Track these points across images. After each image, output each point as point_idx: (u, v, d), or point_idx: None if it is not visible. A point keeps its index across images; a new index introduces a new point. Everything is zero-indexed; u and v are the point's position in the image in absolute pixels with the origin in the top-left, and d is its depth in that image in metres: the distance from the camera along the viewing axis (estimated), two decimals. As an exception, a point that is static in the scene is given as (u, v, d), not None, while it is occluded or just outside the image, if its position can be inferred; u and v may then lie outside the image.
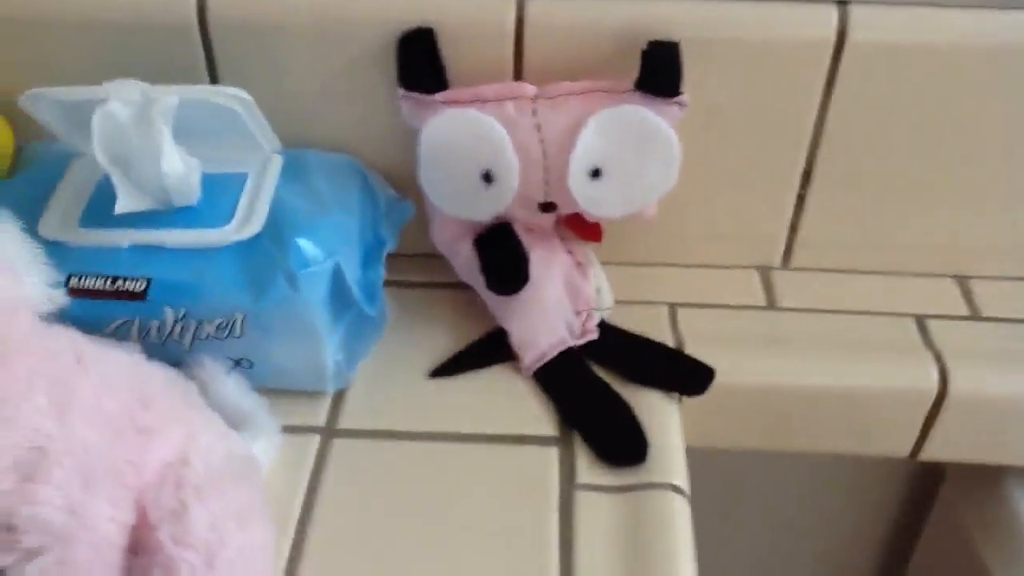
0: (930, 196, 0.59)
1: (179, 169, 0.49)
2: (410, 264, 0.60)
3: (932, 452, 0.58)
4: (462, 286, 0.59)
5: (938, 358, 0.56)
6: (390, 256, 0.56)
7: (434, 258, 0.60)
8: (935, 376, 0.55)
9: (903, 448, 0.59)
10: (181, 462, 0.40)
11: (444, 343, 0.57)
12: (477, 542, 0.47)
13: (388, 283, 0.56)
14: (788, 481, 0.74)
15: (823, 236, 0.61)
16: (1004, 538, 0.65)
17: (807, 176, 0.59)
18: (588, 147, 0.52)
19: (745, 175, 0.59)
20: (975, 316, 0.60)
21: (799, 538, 0.79)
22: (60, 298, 0.38)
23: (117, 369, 0.40)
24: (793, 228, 0.61)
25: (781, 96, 0.56)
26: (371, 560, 0.46)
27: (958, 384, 0.55)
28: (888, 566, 0.81)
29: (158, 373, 0.43)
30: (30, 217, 0.51)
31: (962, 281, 0.62)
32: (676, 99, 0.52)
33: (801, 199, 0.60)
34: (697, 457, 0.53)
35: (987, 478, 0.66)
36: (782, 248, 0.62)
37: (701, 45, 0.53)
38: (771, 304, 0.61)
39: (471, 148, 0.53)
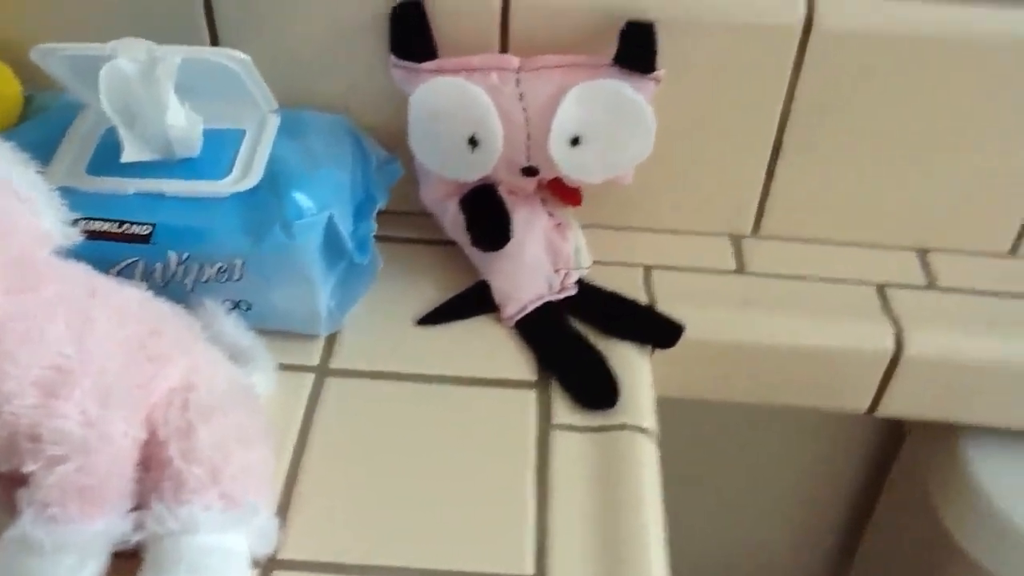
0: (892, 171, 0.63)
1: (182, 123, 0.52)
2: (400, 221, 0.64)
3: (888, 409, 0.62)
4: (448, 242, 0.63)
5: (895, 322, 0.60)
6: (381, 213, 0.59)
7: (422, 216, 0.63)
8: (891, 337, 0.59)
9: (862, 404, 0.62)
10: (187, 387, 0.43)
11: (431, 294, 0.60)
12: (460, 476, 0.50)
13: (379, 238, 0.59)
14: (755, 434, 0.77)
15: (791, 206, 0.65)
16: (960, 495, 0.69)
17: (777, 149, 0.62)
18: (568, 116, 0.55)
19: (718, 147, 0.62)
20: (932, 286, 0.64)
21: (764, 489, 0.83)
22: (75, 235, 0.40)
23: (128, 302, 0.43)
24: (763, 198, 0.65)
25: (752, 75, 0.59)
26: (358, 491, 0.49)
27: (913, 345, 0.59)
28: (851, 521, 0.85)
29: (165, 308, 0.46)
30: (40, 163, 0.54)
31: (922, 253, 0.66)
32: (652, 75, 0.56)
33: (771, 171, 0.63)
34: (668, 407, 0.57)
35: (944, 437, 0.70)
36: (752, 216, 0.66)
37: (678, 25, 0.56)
38: (740, 269, 0.64)
39: (458, 114, 0.56)
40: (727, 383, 0.62)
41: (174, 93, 0.52)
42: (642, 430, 0.53)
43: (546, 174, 0.59)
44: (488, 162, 0.57)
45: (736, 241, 0.66)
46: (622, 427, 0.53)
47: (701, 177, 0.64)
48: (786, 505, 0.84)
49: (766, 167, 0.63)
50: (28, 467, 0.38)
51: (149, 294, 0.45)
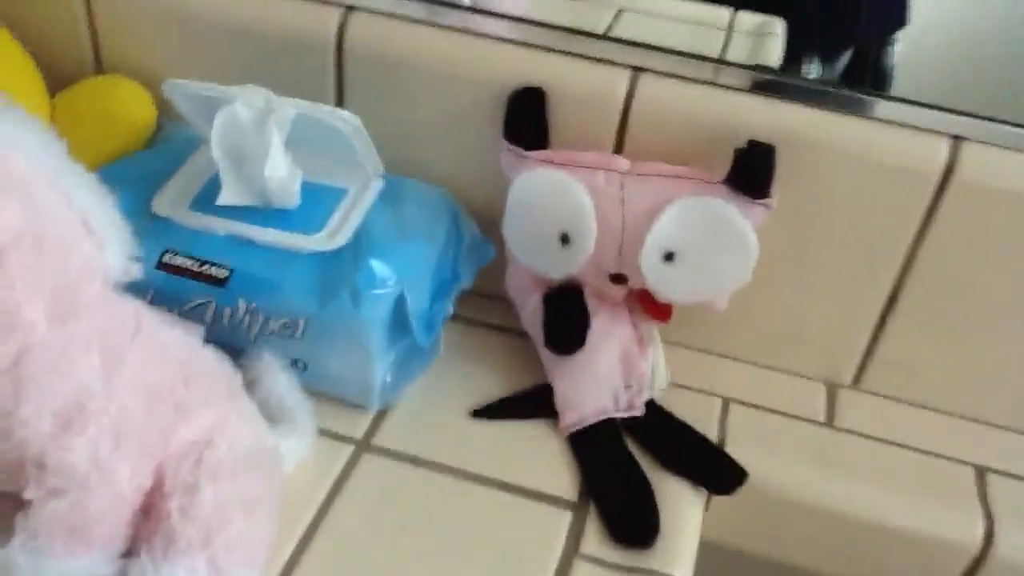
0: (1012, 345, 0.57)
1: (282, 174, 0.53)
2: (479, 302, 0.62)
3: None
4: (522, 333, 0.61)
5: (988, 515, 0.53)
6: (465, 293, 0.58)
7: (502, 301, 0.62)
8: (980, 532, 0.53)
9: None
10: (206, 442, 0.43)
11: (493, 386, 0.59)
12: (468, 584, 0.48)
13: (455, 317, 0.58)
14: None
15: (898, 364, 0.59)
16: None
17: (892, 300, 0.57)
18: (666, 229, 0.53)
19: (827, 286, 0.58)
20: (1041, 480, 0.57)
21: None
22: (136, 272, 0.41)
23: (170, 345, 0.44)
24: (869, 350, 0.60)
25: (877, 216, 0.55)
26: (364, 573, 0.48)
27: (1003, 546, 0.52)
28: None
29: (208, 357, 0.46)
30: (150, 189, 0.56)
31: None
32: (763, 201, 0.52)
33: (882, 321, 0.58)
34: (709, 550, 0.53)
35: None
36: (855, 367, 0.61)
37: (802, 150, 0.53)
38: (829, 421, 0.59)
39: (554, 208, 0.55)
40: (784, 543, 0.57)
41: (283, 145, 0.53)
42: (673, 580, 0.49)
43: (635, 284, 0.56)
44: (576, 262, 0.55)
45: (831, 390, 0.61)
46: (651, 572, 0.49)
47: (804, 315, 0.60)
48: None
49: (877, 317, 0.58)
50: (29, 493, 0.39)
51: (197, 340, 0.46)
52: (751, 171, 0.52)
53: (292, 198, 0.55)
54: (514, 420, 0.57)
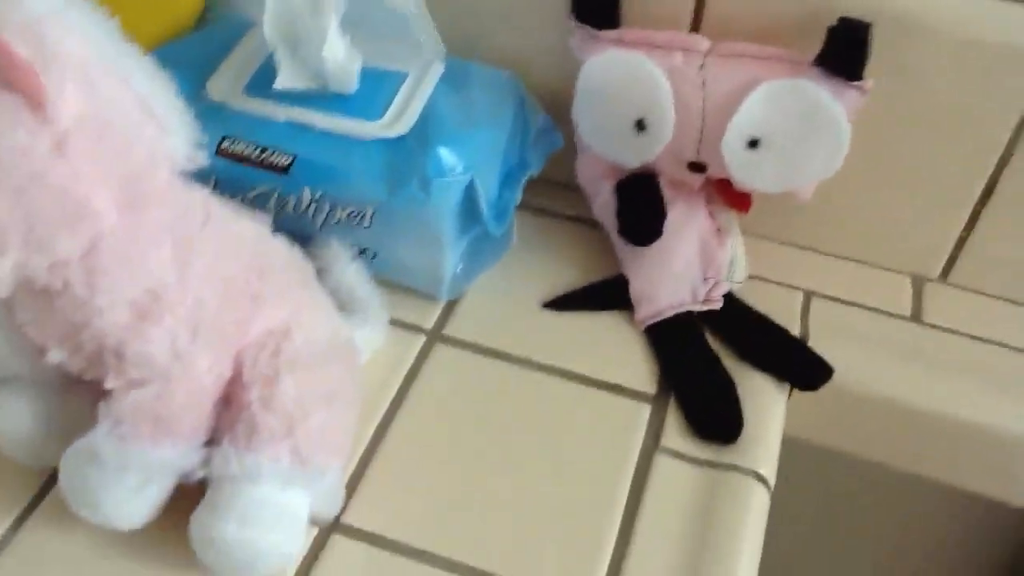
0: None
1: (340, 57, 0.50)
2: (548, 192, 0.60)
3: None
4: (596, 224, 0.59)
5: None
6: (530, 181, 0.56)
7: (574, 190, 0.59)
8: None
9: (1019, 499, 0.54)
10: (283, 333, 0.42)
11: (565, 277, 0.57)
12: (547, 480, 0.47)
13: (523, 207, 0.56)
14: (879, 497, 0.69)
15: (991, 257, 0.56)
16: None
17: (988, 192, 0.54)
18: (752, 114, 0.49)
19: (919, 177, 0.55)
20: None
21: (876, 560, 0.75)
22: (201, 159, 0.39)
23: (241, 236, 0.42)
24: (960, 243, 0.57)
25: (977, 102, 0.51)
26: (440, 470, 0.47)
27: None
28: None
29: (280, 248, 0.44)
30: (202, 75, 0.54)
31: None
32: (857, 83, 0.49)
33: (976, 215, 0.55)
34: (793, 447, 0.51)
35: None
36: (943, 260, 0.58)
37: (899, 30, 0.49)
38: (916, 316, 0.57)
39: (630, 93, 0.51)
40: (872, 441, 0.55)
41: (338, 26, 0.50)
42: (758, 476, 0.47)
43: (714, 172, 0.53)
44: (653, 149, 0.53)
45: (918, 283, 0.59)
46: (735, 468, 0.47)
47: (893, 206, 0.57)
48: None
49: (971, 209, 0.55)
50: (109, 383, 0.38)
51: (266, 230, 0.44)
52: (845, 50, 0.48)
53: (351, 82, 0.52)
54: (587, 312, 0.55)
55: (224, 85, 0.53)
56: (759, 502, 0.47)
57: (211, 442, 0.41)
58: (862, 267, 0.59)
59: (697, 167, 0.53)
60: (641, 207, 0.54)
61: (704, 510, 0.46)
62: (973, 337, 0.56)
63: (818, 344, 0.53)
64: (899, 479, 0.57)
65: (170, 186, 0.39)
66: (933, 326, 0.56)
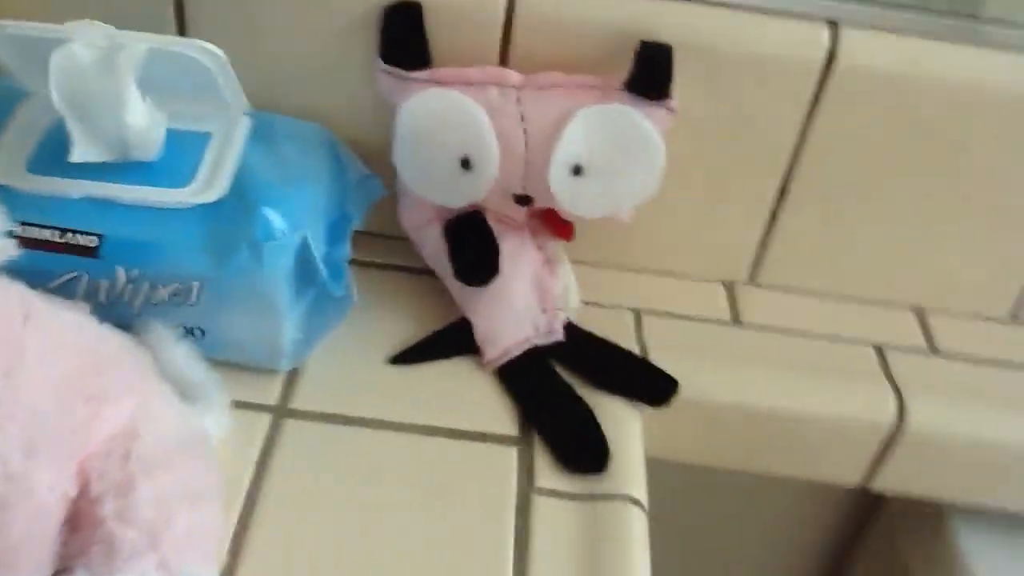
0: (899, 227, 0.59)
1: (143, 122, 0.46)
2: (375, 244, 0.58)
3: (883, 483, 0.59)
4: (428, 271, 0.58)
5: (897, 390, 0.56)
6: (355, 234, 0.54)
7: (401, 240, 0.58)
8: (893, 408, 0.56)
9: (853, 477, 0.59)
10: (130, 434, 0.38)
11: (406, 329, 0.55)
12: (431, 540, 0.45)
13: (352, 262, 0.54)
14: (729, 497, 0.73)
15: (791, 255, 0.61)
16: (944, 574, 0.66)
17: (782, 193, 0.58)
18: (572, 142, 0.50)
19: (720, 187, 0.58)
20: (933, 350, 0.60)
21: (737, 555, 0.79)
22: (12, 249, 0.34)
23: (67, 329, 0.37)
24: (763, 244, 0.61)
25: (765, 111, 0.55)
26: (317, 548, 0.44)
27: (915, 418, 0.55)
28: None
29: (111, 338, 0.40)
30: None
31: (919, 313, 0.63)
32: (665, 103, 0.51)
33: (774, 216, 0.59)
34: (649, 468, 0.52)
35: (931, 515, 0.67)
36: (750, 263, 0.62)
37: (690, 51, 0.52)
38: (736, 319, 0.60)
39: (451, 131, 0.51)
40: (717, 448, 0.58)
41: (135, 87, 0.46)
42: (632, 500, 0.48)
43: (541, 203, 0.54)
44: (480, 187, 0.52)
45: (730, 288, 0.62)
46: (611, 497, 0.48)
47: (699, 217, 0.60)
48: (756, 570, 0.80)
49: (769, 210, 0.59)
50: (-65, 530, 0.32)
51: (93, 319, 0.39)
52: (650, 72, 0.51)
53: (154, 148, 0.48)
54: (436, 361, 0.54)
55: (2, 165, 0.47)
56: (639, 525, 0.47)
57: (56, 573, 0.36)
58: (680, 280, 0.62)
59: (523, 199, 0.54)
60: (474, 246, 0.54)
61: (590, 542, 0.46)
62: (787, 331, 0.60)
63: (658, 359, 0.55)
64: (756, 480, 0.60)
65: (-21, 286, 0.34)
66: (751, 325, 0.60)
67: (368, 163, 0.56)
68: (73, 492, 0.35)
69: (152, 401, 0.40)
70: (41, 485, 0.34)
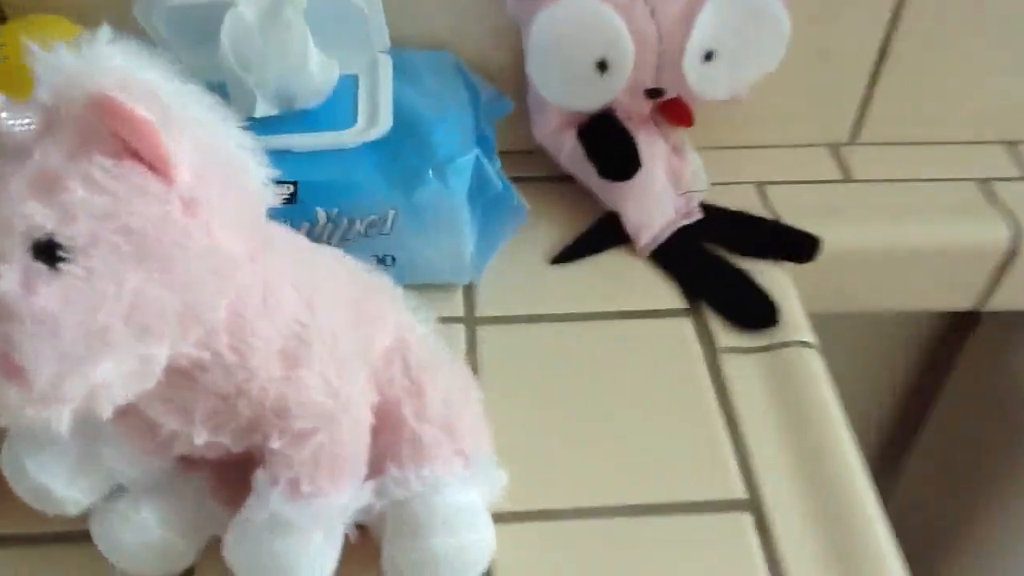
0: (992, 59, 0.62)
1: (321, 69, 0.49)
2: (509, 160, 0.62)
3: (995, 303, 0.64)
4: (563, 178, 0.61)
5: (1010, 215, 0.61)
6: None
7: (529, 153, 0.61)
8: (1005, 232, 0.60)
9: (965, 302, 0.64)
10: (401, 345, 0.41)
11: (556, 233, 0.59)
12: (644, 410, 0.49)
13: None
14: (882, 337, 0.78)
15: (890, 112, 0.65)
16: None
17: (882, 54, 0.62)
18: (704, 29, 0.53)
19: (821, 51, 0.61)
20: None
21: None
22: (281, 194, 0.38)
23: (332, 262, 0.41)
24: (863, 104, 0.64)
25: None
26: (550, 432, 0.48)
27: (1029, 239, 0.60)
28: (908, 412, 0.87)
29: (359, 266, 0.43)
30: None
31: (1011, 146, 0.67)
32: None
33: (874, 77, 0.63)
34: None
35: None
36: (851, 124, 0.66)
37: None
38: (847, 177, 0.64)
39: (587, 38, 0.54)
40: (847, 294, 0.62)
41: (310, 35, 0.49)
42: (807, 344, 0.53)
43: (671, 93, 0.57)
44: (616, 86, 0.56)
45: (835, 150, 0.66)
46: (785, 344, 0.53)
47: (801, 85, 0.63)
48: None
49: (869, 71, 0.63)
50: (274, 443, 0.36)
51: (340, 252, 0.43)
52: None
53: (325, 94, 0.51)
54: (592, 255, 0.58)
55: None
56: (817, 364, 0.52)
57: (370, 474, 0.40)
58: (789, 151, 0.66)
59: (654, 92, 0.57)
60: (614, 145, 0.58)
61: (782, 386, 0.50)
62: (896, 181, 0.64)
63: (790, 221, 0.60)
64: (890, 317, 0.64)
65: (271, 225, 0.37)
66: (862, 181, 0.64)
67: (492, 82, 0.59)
68: (375, 399, 0.40)
69: (404, 316, 0.43)
70: (355, 396, 0.38)
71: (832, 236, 0.59)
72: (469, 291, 0.56)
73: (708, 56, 0.54)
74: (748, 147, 0.66)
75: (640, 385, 0.51)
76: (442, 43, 0.58)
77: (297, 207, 0.49)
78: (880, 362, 0.83)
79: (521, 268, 0.57)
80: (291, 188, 0.49)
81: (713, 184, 0.62)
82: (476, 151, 0.51)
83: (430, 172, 0.50)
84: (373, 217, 0.50)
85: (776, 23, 0.54)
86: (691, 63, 0.54)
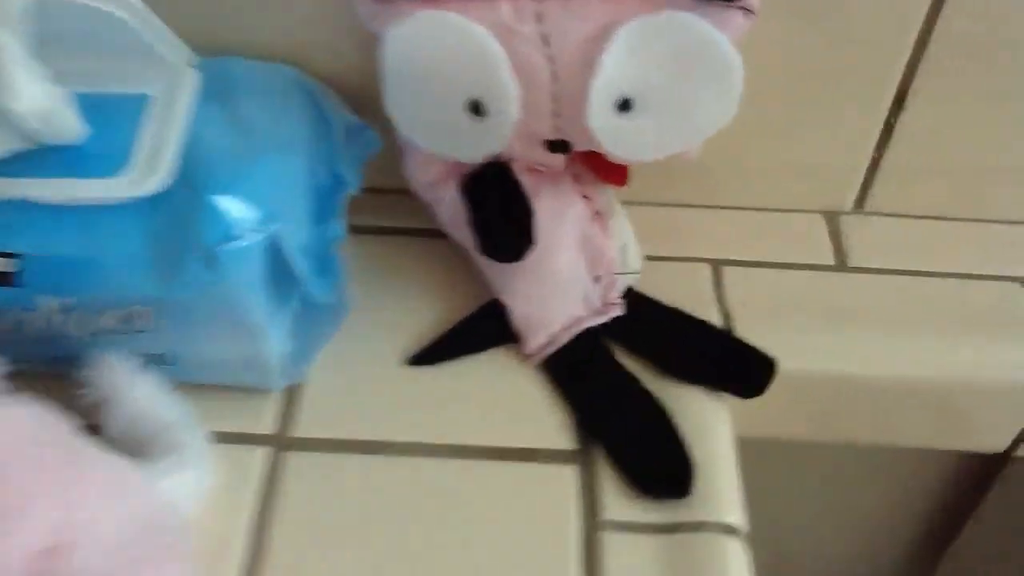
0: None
1: (41, 102, 0.35)
2: (380, 203, 0.47)
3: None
4: (444, 233, 0.46)
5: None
6: (353, 198, 0.43)
7: (408, 194, 0.46)
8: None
9: (998, 444, 0.47)
10: (60, 547, 0.28)
11: (426, 316, 0.44)
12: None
13: (353, 229, 0.43)
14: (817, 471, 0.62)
15: (909, 172, 0.48)
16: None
17: (900, 99, 0.45)
18: (615, 69, 0.37)
19: (821, 99, 0.45)
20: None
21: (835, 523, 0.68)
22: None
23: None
24: (875, 162, 0.48)
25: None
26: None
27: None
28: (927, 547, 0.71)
29: (17, 420, 0.30)
30: None
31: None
32: (739, 2, 0.38)
33: (889, 127, 0.46)
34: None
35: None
36: (858, 186, 0.49)
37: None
38: (840, 262, 0.48)
39: (452, 68, 0.39)
40: (825, 423, 0.47)
41: (22, 56, 0.35)
42: (728, 528, 0.38)
43: (580, 148, 0.42)
44: (499, 135, 0.40)
45: (832, 220, 0.50)
46: (701, 526, 0.38)
47: (794, 138, 0.47)
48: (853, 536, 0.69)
49: (882, 124, 0.46)
50: None
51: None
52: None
53: (69, 128, 0.37)
54: (464, 357, 0.43)
55: None
56: (738, 561, 0.37)
57: None
58: (767, 214, 0.50)
59: (557, 145, 0.41)
60: (500, 210, 0.42)
61: (679, 591, 0.36)
62: (906, 272, 0.47)
63: (745, 327, 0.44)
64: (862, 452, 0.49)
65: None
66: (861, 269, 0.48)
67: (359, 110, 0.44)
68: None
69: (85, 489, 0.30)
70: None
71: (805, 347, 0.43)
72: (291, 396, 0.42)
73: (624, 105, 0.38)
74: (709, 207, 0.49)
75: (487, 558, 0.37)
76: (285, 54, 0.44)
77: (18, 292, 0.36)
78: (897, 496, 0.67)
79: (372, 368, 0.43)
80: (12, 264, 0.36)
81: (650, 258, 0.46)
82: (274, 226, 0.37)
83: (193, 258, 0.35)
84: (123, 311, 0.36)
85: (721, 64, 0.38)
86: (597, 112, 0.38)
